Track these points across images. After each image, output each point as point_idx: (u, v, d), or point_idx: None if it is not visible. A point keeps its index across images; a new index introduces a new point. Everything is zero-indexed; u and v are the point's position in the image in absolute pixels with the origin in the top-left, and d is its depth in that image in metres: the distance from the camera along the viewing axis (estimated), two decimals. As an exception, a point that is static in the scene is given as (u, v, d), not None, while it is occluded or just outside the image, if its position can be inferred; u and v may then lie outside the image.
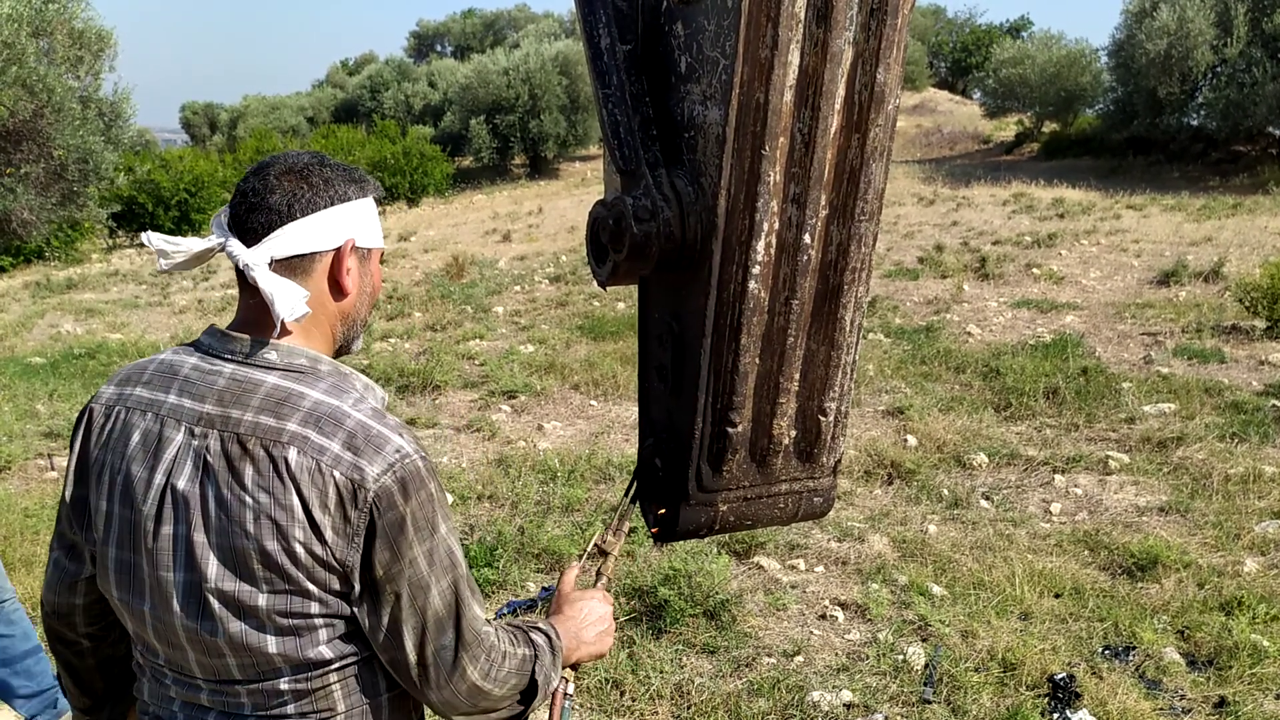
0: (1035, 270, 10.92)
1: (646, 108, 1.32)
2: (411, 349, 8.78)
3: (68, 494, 1.32)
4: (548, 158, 32.83)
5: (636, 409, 1.53)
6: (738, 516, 1.41)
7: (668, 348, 1.37)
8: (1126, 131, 23.19)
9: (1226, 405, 6.37)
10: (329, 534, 1.16)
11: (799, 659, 3.66)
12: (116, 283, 14.19)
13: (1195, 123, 22.33)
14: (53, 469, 5.84)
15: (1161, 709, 3.33)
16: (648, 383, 1.47)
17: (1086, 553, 4.50)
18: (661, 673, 3.52)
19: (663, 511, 1.43)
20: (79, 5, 10.61)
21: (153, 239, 1.28)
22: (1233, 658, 3.54)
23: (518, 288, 11.75)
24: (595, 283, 1.43)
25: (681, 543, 4.20)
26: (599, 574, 1.60)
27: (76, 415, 1.35)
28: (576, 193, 25.20)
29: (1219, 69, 21.25)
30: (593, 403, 7.08)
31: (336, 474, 1.16)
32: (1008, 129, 29.86)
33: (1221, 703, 3.34)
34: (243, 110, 43.34)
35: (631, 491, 1.53)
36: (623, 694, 3.43)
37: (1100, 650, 3.68)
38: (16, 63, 9.42)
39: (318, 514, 1.15)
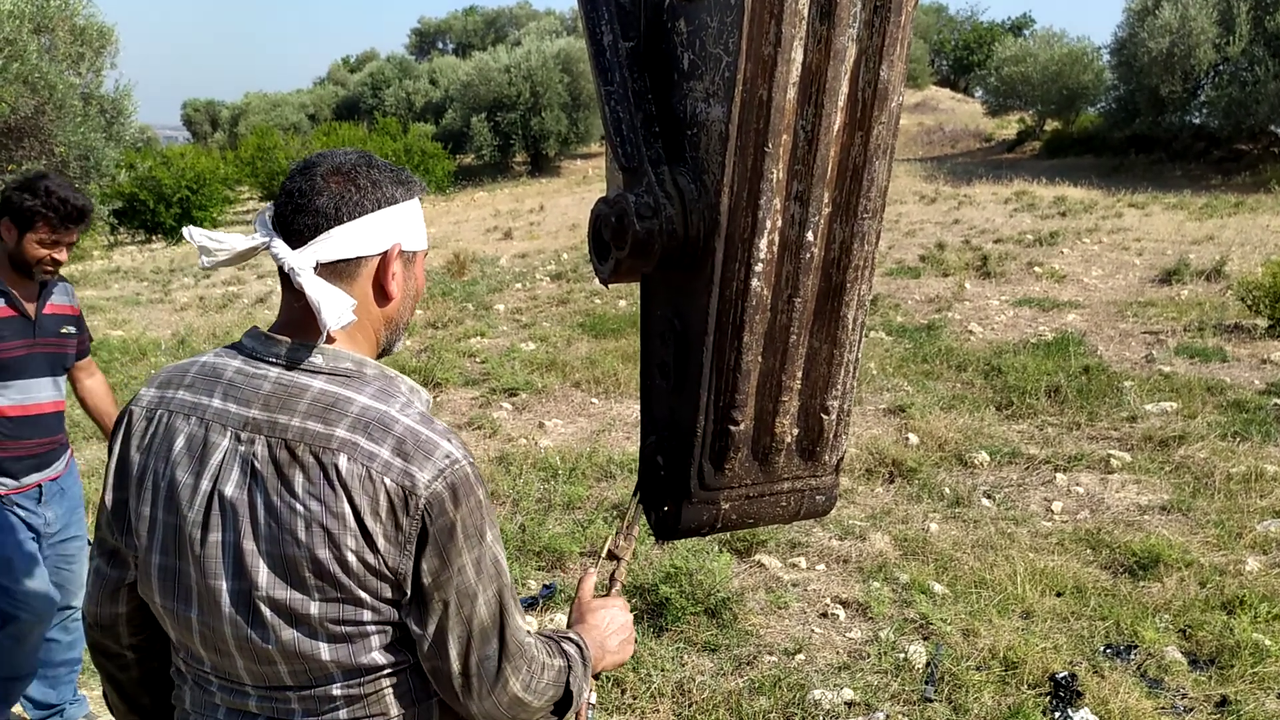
0: (1037, 269, 10.91)
1: (649, 105, 1.31)
2: (413, 346, 8.78)
3: (108, 499, 1.29)
4: (549, 155, 32.83)
5: (638, 407, 1.52)
6: (740, 514, 1.40)
7: (670, 345, 1.36)
8: (1128, 130, 23.17)
9: (1228, 404, 6.37)
10: (381, 542, 1.14)
11: (800, 657, 3.66)
12: (118, 279, 14.20)
13: (1197, 121, 22.32)
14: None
15: (1163, 708, 3.33)
16: (650, 380, 1.46)
17: (1088, 551, 4.50)
18: (663, 670, 3.52)
19: (665, 509, 1.43)
20: (80, 2, 10.60)
21: (195, 235, 1.24)
22: (1234, 657, 3.54)
23: (519, 285, 11.75)
24: (597, 280, 1.42)
25: (683, 541, 4.20)
26: (612, 579, 1.59)
27: (115, 417, 1.33)
28: (578, 190, 25.20)
29: (1221, 67, 21.22)
30: (594, 400, 7.08)
31: (387, 481, 1.14)
32: (1009, 127, 29.82)
33: (1223, 702, 3.34)
34: (244, 107, 43.39)
35: (638, 498, 1.53)
36: (624, 692, 3.43)
37: (1102, 649, 3.68)
38: (18, 59, 9.42)
39: (369, 522, 1.13)
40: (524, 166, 33.24)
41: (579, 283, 11.50)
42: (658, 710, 3.34)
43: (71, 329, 2.98)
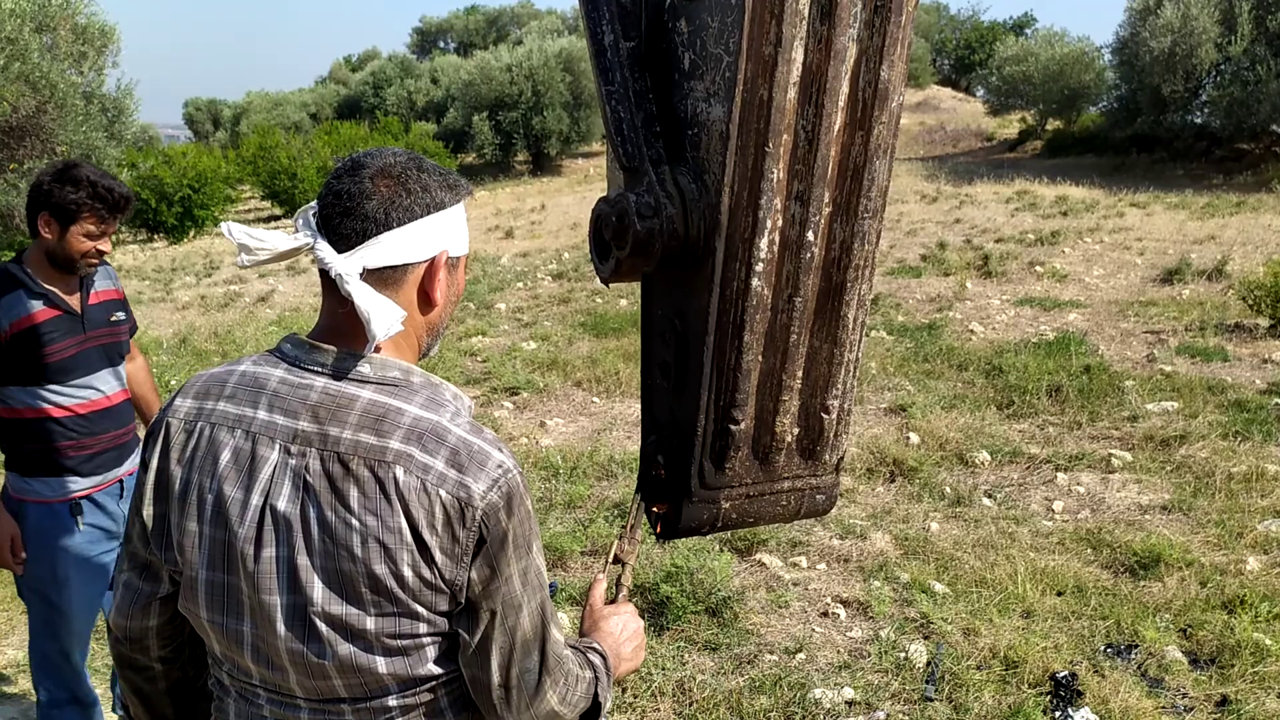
0: (1038, 268, 10.91)
1: (650, 105, 1.32)
2: (414, 345, 8.77)
3: (146, 513, 1.25)
4: (551, 154, 32.81)
5: (639, 406, 1.53)
6: (740, 514, 1.41)
7: (671, 345, 1.37)
8: (1130, 129, 23.12)
9: (1229, 404, 6.36)
10: (437, 555, 1.13)
11: (801, 656, 3.66)
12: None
13: (1199, 121, 22.26)
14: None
15: (1163, 707, 3.33)
16: (651, 380, 1.47)
17: (1089, 551, 4.50)
18: (663, 670, 3.52)
19: (665, 508, 1.43)
20: (82, 1, 10.61)
21: (234, 231, 1.21)
22: (1235, 656, 3.54)
23: (520, 284, 11.75)
24: (598, 279, 1.42)
25: (683, 540, 4.20)
26: (619, 584, 1.58)
27: (148, 428, 1.30)
28: (579, 189, 25.20)
29: (1223, 67, 21.18)
30: (595, 399, 7.09)
31: (442, 493, 1.13)
32: (1011, 126, 29.78)
33: (1223, 701, 3.34)
34: (246, 106, 43.36)
35: (639, 499, 1.53)
36: (624, 690, 3.43)
37: (1102, 648, 3.68)
38: (20, 58, 9.43)
39: (426, 535, 1.12)
40: (525, 165, 33.22)
41: (580, 282, 11.50)
42: (658, 709, 3.34)
43: (121, 315, 2.91)
